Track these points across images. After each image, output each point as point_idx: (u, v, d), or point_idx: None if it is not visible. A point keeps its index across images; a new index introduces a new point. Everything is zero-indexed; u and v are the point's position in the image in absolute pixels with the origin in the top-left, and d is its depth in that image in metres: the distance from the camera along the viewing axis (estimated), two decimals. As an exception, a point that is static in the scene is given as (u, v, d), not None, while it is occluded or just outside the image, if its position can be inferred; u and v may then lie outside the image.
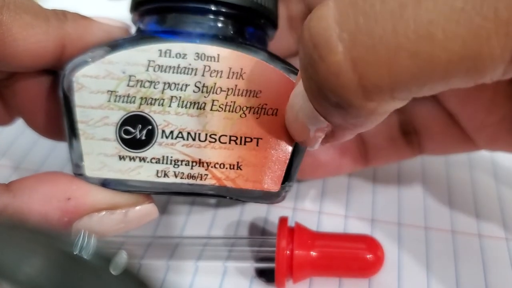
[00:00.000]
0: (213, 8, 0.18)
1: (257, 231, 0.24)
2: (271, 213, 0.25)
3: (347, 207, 0.25)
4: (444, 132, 0.24)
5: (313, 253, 0.21)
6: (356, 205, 0.26)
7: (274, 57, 0.18)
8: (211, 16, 0.18)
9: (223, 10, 0.18)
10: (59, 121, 0.18)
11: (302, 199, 0.26)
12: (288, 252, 0.20)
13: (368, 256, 0.21)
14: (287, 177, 0.18)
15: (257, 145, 0.18)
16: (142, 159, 0.18)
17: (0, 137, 0.28)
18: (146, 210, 0.18)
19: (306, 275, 0.21)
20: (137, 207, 0.18)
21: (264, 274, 0.22)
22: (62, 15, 0.18)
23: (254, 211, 0.25)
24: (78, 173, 0.18)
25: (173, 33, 0.18)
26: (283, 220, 0.21)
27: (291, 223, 0.23)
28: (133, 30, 0.20)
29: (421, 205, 0.25)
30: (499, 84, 0.22)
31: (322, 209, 0.25)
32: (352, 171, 0.26)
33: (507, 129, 0.22)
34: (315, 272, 0.21)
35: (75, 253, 0.11)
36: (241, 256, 0.22)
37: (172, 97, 0.17)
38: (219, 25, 0.18)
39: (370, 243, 0.21)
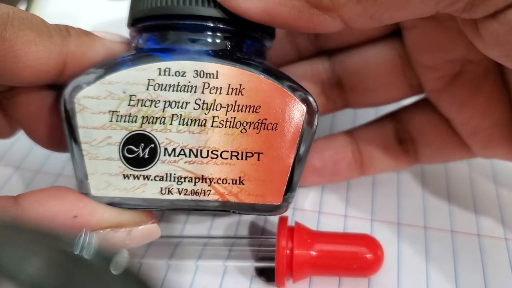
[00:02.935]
0: (210, 24, 0.18)
1: (257, 231, 0.24)
2: (271, 213, 0.25)
3: (347, 207, 0.26)
4: (440, 138, 0.25)
5: (312, 253, 0.21)
6: (355, 205, 0.26)
7: (272, 72, 0.18)
8: (209, 33, 0.19)
9: (220, 26, 0.18)
10: (60, 133, 0.19)
11: (302, 199, 0.26)
12: (288, 251, 0.21)
13: (367, 255, 0.21)
14: (289, 188, 0.19)
15: (258, 160, 0.18)
16: (146, 177, 0.18)
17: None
18: (149, 229, 0.19)
19: (306, 274, 0.21)
20: (141, 227, 0.19)
21: (264, 274, 0.23)
22: (65, 32, 0.18)
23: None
24: (84, 192, 0.18)
25: (171, 51, 0.18)
26: (283, 220, 0.22)
27: (291, 222, 0.23)
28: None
29: (420, 205, 0.26)
30: (494, 89, 0.23)
31: (322, 209, 0.25)
32: (347, 179, 0.27)
33: (500, 133, 0.23)
34: (315, 271, 0.21)
35: (76, 253, 0.11)
36: (241, 255, 0.23)
37: (173, 115, 0.18)
38: (217, 41, 0.19)
39: (369, 242, 0.22)
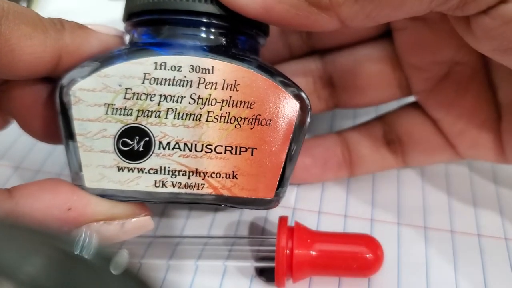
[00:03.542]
0: (205, 20, 0.19)
1: (257, 231, 0.24)
2: (271, 213, 0.25)
3: (347, 207, 0.26)
4: (427, 139, 0.25)
5: (312, 253, 0.21)
6: (355, 205, 0.26)
7: (267, 68, 0.18)
8: (204, 28, 0.19)
9: (215, 22, 0.19)
10: (54, 125, 0.19)
11: (301, 199, 0.26)
12: (288, 251, 0.21)
13: (367, 255, 0.21)
14: (281, 183, 0.19)
15: (251, 155, 0.18)
16: (140, 170, 0.18)
17: (1, 136, 0.28)
18: (142, 222, 0.19)
19: (306, 274, 0.21)
20: (134, 219, 0.19)
21: (264, 273, 0.23)
22: (60, 25, 0.18)
23: (254, 211, 0.25)
24: (78, 184, 0.19)
25: (167, 46, 0.18)
26: (283, 220, 0.22)
27: (291, 222, 0.23)
28: (126, 37, 0.20)
29: (420, 205, 0.26)
30: (481, 91, 0.23)
31: (322, 209, 0.25)
32: (336, 178, 0.27)
33: (486, 134, 0.24)
34: (315, 271, 0.21)
35: (76, 253, 0.11)
36: (241, 255, 0.23)
37: (168, 109, 0.18)
38: (212, 36, 0.19)
39: (369, 242, 0.22)
